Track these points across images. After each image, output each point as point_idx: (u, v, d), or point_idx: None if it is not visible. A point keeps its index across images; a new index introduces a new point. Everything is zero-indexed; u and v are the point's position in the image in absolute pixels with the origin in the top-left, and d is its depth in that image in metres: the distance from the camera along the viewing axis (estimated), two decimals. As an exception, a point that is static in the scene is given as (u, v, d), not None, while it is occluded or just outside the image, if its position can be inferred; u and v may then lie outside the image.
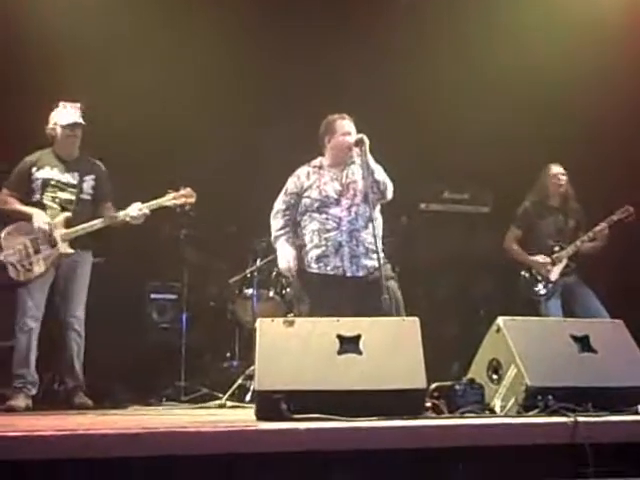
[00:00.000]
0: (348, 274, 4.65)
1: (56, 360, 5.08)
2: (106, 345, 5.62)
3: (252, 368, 4.05)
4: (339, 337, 3.48)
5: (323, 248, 4.68)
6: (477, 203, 7.16)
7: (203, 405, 5.18)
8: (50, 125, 5.09)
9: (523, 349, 3.58)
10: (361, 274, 4.65)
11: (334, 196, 4.73)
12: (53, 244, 4.91)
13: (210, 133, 6.67)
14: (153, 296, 6.52)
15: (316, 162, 4.91)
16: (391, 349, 3.51)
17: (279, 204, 4.87)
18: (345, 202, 4.72)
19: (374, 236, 4.48)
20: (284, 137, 6.68)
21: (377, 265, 4.48)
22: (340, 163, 4.84)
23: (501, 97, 6.79)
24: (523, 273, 6.00)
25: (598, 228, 5.82)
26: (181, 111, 6.52)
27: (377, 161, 4.78)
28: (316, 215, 4.72)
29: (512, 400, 3.47)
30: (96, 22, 6.24)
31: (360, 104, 5.42)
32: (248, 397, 5.18)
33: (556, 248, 5.93)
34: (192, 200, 5.19)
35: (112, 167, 5.33)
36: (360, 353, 3.46)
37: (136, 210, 5.04)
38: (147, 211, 5.05)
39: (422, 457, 2.92)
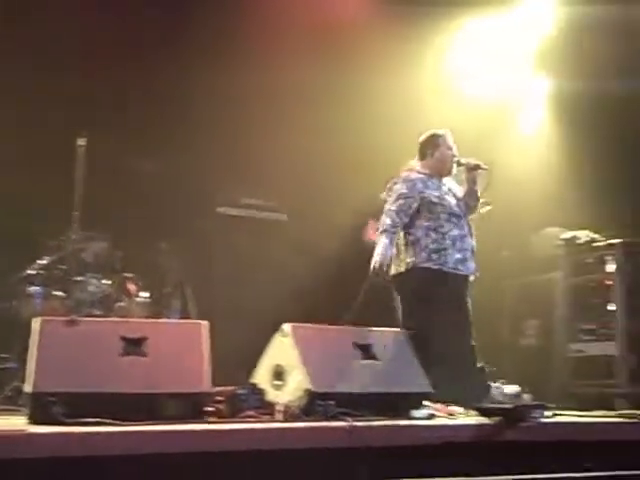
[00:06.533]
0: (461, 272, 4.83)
1: None
2: None
3: (29, 370, 3.83)
4: (123, 338, 3.39)
5: (440, 244, 4.78)
6: (276, 210, 7.23)
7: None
8: None
9: (307, 355, 3.66)
10: (466, 273, 4.85)
11: (453, 202, 4.91)
12: None
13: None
14: None
15: (421, 170, 4.95)
16: (178, 352, 3.47)
17: (394, 207, 4.79)
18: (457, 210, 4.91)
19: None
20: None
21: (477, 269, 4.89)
22: (439, 174, 4.97)
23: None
24: None
25: None
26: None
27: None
28: (442, 216, 4.82)
29: (294, 405, 3.51)
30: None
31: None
32: (22, 401, 4.90)
33: None
34: None
35: None
36: (144, 355, 3.39)
37: None
38: None
39: (200, 461, 2.88)
